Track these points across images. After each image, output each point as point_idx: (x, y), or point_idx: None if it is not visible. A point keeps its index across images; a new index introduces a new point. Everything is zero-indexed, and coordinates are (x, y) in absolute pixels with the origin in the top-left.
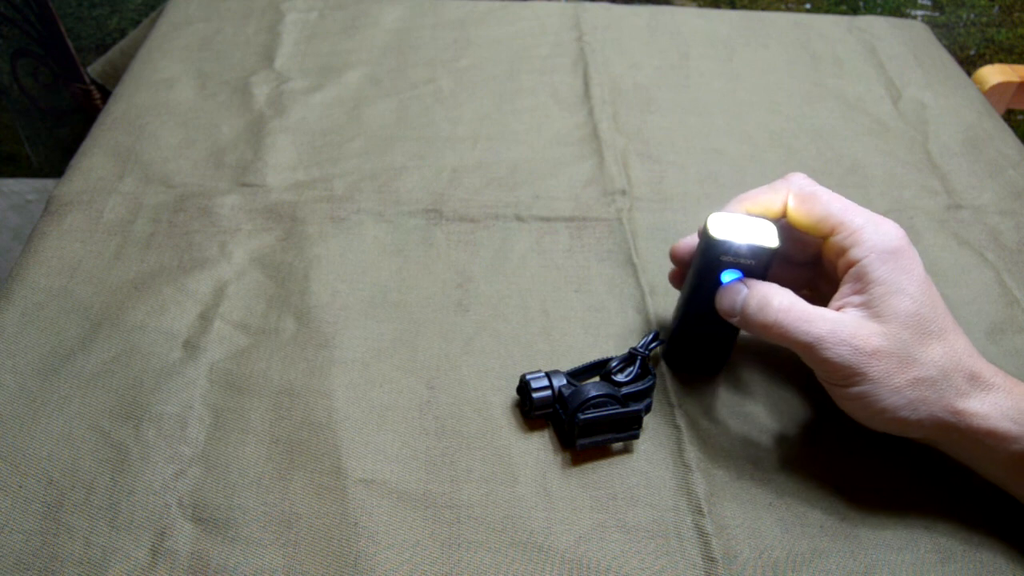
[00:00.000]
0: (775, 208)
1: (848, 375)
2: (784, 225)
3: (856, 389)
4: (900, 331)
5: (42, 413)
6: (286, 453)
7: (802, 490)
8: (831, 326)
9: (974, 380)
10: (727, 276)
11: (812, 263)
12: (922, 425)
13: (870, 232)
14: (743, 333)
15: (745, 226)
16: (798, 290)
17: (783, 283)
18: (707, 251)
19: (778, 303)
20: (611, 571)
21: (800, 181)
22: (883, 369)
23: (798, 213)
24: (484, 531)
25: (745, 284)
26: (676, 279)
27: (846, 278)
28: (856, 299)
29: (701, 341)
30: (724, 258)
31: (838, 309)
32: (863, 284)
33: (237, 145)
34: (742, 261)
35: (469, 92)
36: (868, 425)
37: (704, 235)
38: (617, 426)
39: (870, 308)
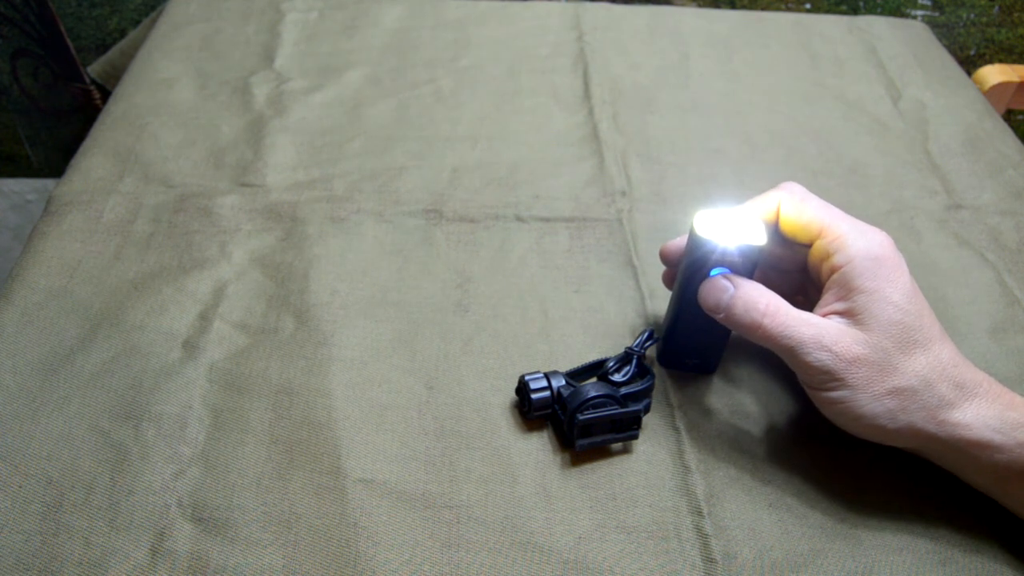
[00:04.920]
0: (768, 215)
1: (827, 380)
2: (776, 231)
3: (835, 394)
4: (882, 340)
5: (42, 413)
6: (285, 453)
7: (802, 491)
8: (814, 331)
9: (959, 390)
10: (715, 274)
11: (804, 270)
12: (902, 434)
13: (854, 238)
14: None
15: (733, 223)
16: (791, 296)
17: (775, 289)
18: (695, 249)
19: (764, 305)
20: (611, 571)
21: (792, 187)
22: (863, 376)
23: (787, 217)
24: (484, 531)
25: (731, 282)
26: (668, 280)
27: (829, 283)
28: (839, 306)
29: (694, 341)
30: (712, 256)
31: (823, 316)
32: (846, 291)
33: (237, 145)
34: (729, 259)
35: (469, 92)
36: (848, 431)
37: (691, 233)
38: (616, 426)
39: (853, 315)
